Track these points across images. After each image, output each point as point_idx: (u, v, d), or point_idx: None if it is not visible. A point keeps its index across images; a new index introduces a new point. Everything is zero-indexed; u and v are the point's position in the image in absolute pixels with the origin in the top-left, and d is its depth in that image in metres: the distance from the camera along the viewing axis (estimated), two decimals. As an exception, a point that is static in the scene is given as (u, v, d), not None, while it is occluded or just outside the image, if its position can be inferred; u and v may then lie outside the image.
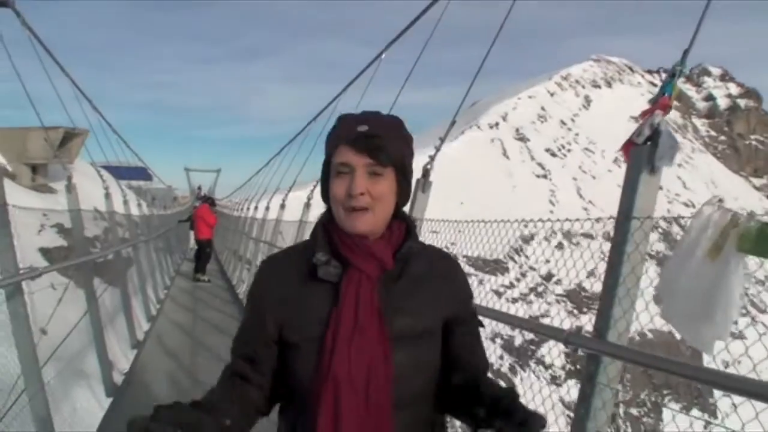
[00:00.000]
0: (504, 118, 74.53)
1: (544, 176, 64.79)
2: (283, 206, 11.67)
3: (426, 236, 4.81)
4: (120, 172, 19.90)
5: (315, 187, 8.54)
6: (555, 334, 2.80)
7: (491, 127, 72.03)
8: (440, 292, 1.75)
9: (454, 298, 1.79)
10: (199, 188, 43.58)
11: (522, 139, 72.62)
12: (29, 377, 4.56)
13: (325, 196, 1.76)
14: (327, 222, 1.75)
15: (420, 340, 1.67)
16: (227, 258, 21.32)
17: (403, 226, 1.77)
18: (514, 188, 58.05)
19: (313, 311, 1.65)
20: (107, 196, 9.65)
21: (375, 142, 1.63)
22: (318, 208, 8.85)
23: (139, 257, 11.97)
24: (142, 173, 32.18)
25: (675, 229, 65.28)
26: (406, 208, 1.81)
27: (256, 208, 17.17)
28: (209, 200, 19.66)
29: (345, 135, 1.67)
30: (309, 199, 8.68)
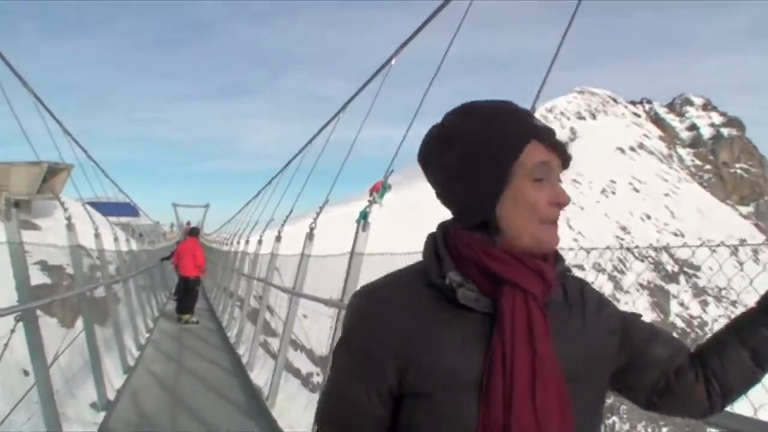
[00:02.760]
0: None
1: (534, 208, 65.37)
2: (278, 239, 11.02)
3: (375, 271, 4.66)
4: (107, 208, 19.29)
5: (317, 216, 8.09)
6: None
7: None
8: (601, 325, 1.39)
9: (616, 331, 1.42)
10: (188, 224, 43.05)
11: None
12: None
13: (483, 207, 1.30)
14: (442, 237, 1.36)
15: (591, 379, 1.33)
16: (217, 296, 20.28)
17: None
18: (500, 219, 57.87)
19: (454, 348, 1.24)
20: (97, 235, 9.13)
21: (562, 143, 1.31)
22: (321, 238, 8.36)
23: (118, 298, 11.03)
24: (129, 209, 31.63)
25: (664, 257, 66.01)
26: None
27: (247, 242, 16.38)
28: (195, 231, 18.53)
29: (536, 130, 1.29)
30: (312, 228, 8.08)
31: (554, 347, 1.25)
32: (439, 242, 1.36)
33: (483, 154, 1.29)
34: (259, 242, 13.52)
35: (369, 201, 5.79)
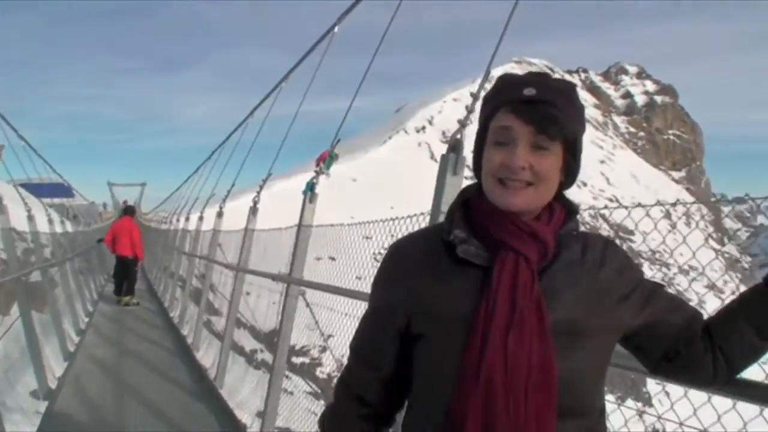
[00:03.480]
0: (430, 122, 75.57)
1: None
2: (220, 215, 10.70)
3: (351, 243, 5.08)
4: (40, 189, 18.62)
5: (260, 190, 7.85)
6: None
7: (418, 131, 73.16)
8: (599, 283, 1.45)
9: (618, 287, 1.47)
10: (125, 203, 42.13)
11: (449, 141, 73.40)
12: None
13: (477, 167, 1.52)
14: (469, 199, 1.53)
15: (584, 336, 1.41)
16: (157, 276, 19.71)
17: (564, 209, 1.51)
18: (444, 191, 58.20)
19: (452, 296, 1.43)
20: (30, 217, 8.77)
21: (544, 110, 1.39)
22: (264, 214, 8.13)
23: (54, 282, 10.56)
24: (63, 190, 30.72)
25: (601, 224, 67.41)
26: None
27: (187, 219, 15.90)
28: (131, 210, 17.89)
29: (508, 97, 1.43)
30: (255, 203, 7.82)
31: (547, 302, 1.37)
32: (457, 202, 1.55)
33: (479, 118, 1.52)
34: (200, 219, 13.17)
35: (315, 171, 5.62)
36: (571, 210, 1.51)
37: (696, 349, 1.48)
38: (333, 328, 5.97)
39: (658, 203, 3.09)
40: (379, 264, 1.64)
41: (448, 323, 1.41)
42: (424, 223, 3.32)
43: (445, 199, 2.93)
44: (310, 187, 5.58)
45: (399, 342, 1.53)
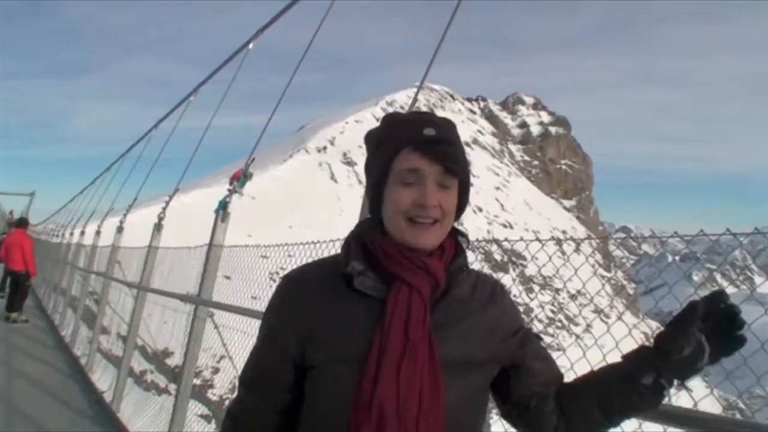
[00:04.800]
0: (332, 142, 75.76)
1: (373, 200, 67.02)
2: (120, 230, 10.32)
3: (247, 262, 5.08)
4: None
5: (167, 205, 7.63)
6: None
7: (319, 151, 73.16)
8: (485, 319, 1.56)
9: (502, 327, 1.59)
10: (11, 213, 40.13)
11: (349, 163, 74.15)
12: None
13: (375, 205, 1.55)
14: (362, 234, 1.56)
15: (470, 368, 1.50)
16: (46, 292, 18.74)
17: (453, 242, 1.57)
18: (342, 211, 58.51)
19: (347, 328, 1.46)
20: None
21: (446, 151, 1.46)
22: (172, 229, 7.89)
23: None
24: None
25: (494, 248, 69.02)
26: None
27: (82, 233, 15.28)
28: (23, 222, 16.90)
29: (411, 137, 1.47)
30: (160, 219, 7.56)
31: (437, 335, 1.43)
32: (353, 235, 1.57)
33: (374, 157, 1.55)
34: (97, 233, 12.67)
35: (229, 190, 5.50)
36: (459, 244, 1.58)
37: (545, 408, 1.58)
38: (225, 350, 5.83)
39: (553, 239, 3.28)
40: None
41: (343, 355, 1.43)
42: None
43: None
44: (223, 206, 5.45)
45: (294, 373, 1.53)
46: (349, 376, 1.40)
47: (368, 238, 1.53)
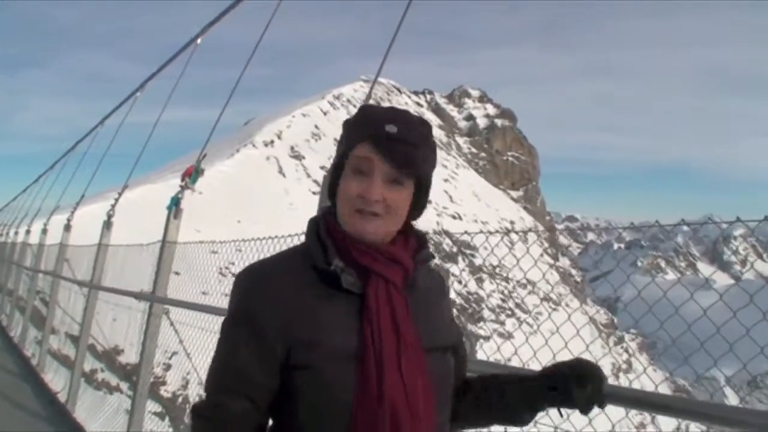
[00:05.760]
0: (279, 137, 75.28)
1: (322, 193, 66.77)
2: (68, 227, 10.15)
3: (197, 257, 5.11)
4: None
5: (116, 202, 7.57)
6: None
7: (266, 145, 72.72)
8: (444, 307, 1.69)
9: (450, 313, 1.73)
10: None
11: (297, 156, 73.80)
12: None
13: (332, 191, 1.59)
14: (327, 226, 1.56)
15: (446, 351, 1.60)
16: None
17: (415, 237, 1.62)
18: (291, 205, 58.29)
19: (332, 325, 1.45)
20: None
21: (403, 150, 1.48)
22: (119, 225, 7.80)
23: None
24: None
25: (447, 241, 69.50)
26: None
27: (28, 231, 14.96)
28: None
29: (371, 131, 1.49)
30: (110, 216, 7.49)
31: (415, 324, 1.49)
32: (322, 229, 1.55)
33: (339, 143, 1.59)
34: (44, 231, 12.45)
35: (181, 186, 5.49)
36: (420, 237, 1.63)
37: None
38: (178, 346, 5.82)
39: (505, 231, 3.33)
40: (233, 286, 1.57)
41: (335, 354, 1.41)
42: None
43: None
44: (175, 202, 5.43)
45: (277, 372, 1.46)
46: (345, 376, 1.39)
47: (333, 230, 1.54)
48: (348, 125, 1.58)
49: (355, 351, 1.41)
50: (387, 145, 1.47)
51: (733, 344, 2.41)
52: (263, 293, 1.49)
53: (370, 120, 1.52)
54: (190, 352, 5.58)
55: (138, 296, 5.80)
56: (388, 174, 1.48)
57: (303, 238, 1.63)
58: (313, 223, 1.58)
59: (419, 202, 1.59)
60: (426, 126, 1.57)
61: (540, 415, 1.72)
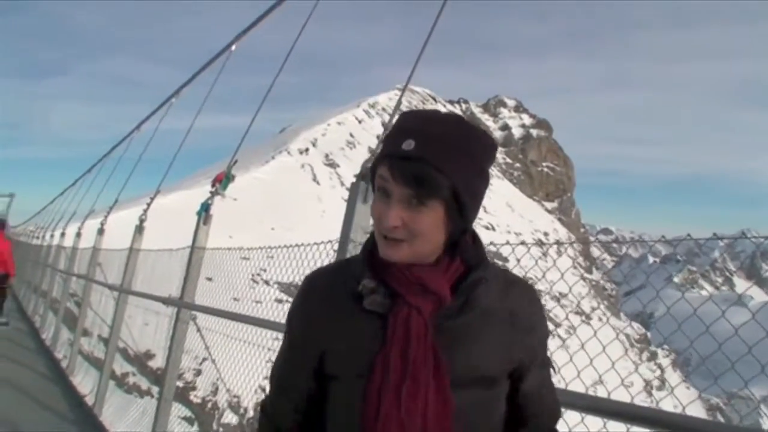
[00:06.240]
0: (314, 144, 75.63)
1: (356, 202, 66.97)
2: (101, 231, 10.24)
3: (228, 263, 5.10)
4: None
5: (148, 207, 7.59)
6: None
7: (301, 153, 73.03)
8: (509, 330, 1.48)
9: (523, 338, 1.51)
10: (-9, 215, 39.57)
11: (332, 164, 73.98)
12: None
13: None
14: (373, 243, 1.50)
15: (484, 385, 1.45)
16: (26, 294, 18.55)
17: (463, 260, 1.47)
18: (324, 213, 58.36)
19: (359, 344, 1.44)
20: None
21: (418, 169, 1.34)
22: (152, 231, 7.85)
23: None
24: None
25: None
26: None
27: (62, 234, 15.12)
28: (1, 224, 16.22)
29: (387, 150, 1.41)
30: (142, 221, 7.52)
31: (451, 351, 1.40)
32: (366, 246, 1.52)
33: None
34: (78, 235, 12.57)
35: (211, 192, 5.49)
36: (470, 260, 1.46)
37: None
38: (208, 353, 5.80)
39: (539, 243, 3.33)
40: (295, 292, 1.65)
41: (355, 372, 1.42)
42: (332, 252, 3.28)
43: (354, 227, 2.99)
44: (205, 208, 5.43)
45: (313, 378, 1.53)
46: (359, 394, 1.39)
47: (376, 249, 1.47)
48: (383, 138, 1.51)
49: (367, 372, 1.40)
50: (400, 166, 1.35)
51: (766, 365, 2.27)
52: (305, 302, 1.57)
53: (390, 135, 1.42)
54: (217, 360, 5.59)
55: (166, 301, 5.81)
56: (404, 195, 1.36)
57: (336, 246, 1.62)
58: (370, 237, 1.53)
59: (455, 220, 1.41)
60: (458, 129, 1.40)
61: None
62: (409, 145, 1.34)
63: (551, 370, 1.63)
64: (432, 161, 1.33)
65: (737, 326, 2.45)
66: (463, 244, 1.46)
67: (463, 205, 1.38)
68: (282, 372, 1.63)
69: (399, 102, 4.62)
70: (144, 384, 12.90)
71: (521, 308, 1.52)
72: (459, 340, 1.43)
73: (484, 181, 1.44)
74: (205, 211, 5.42)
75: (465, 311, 1.44)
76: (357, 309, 1.45)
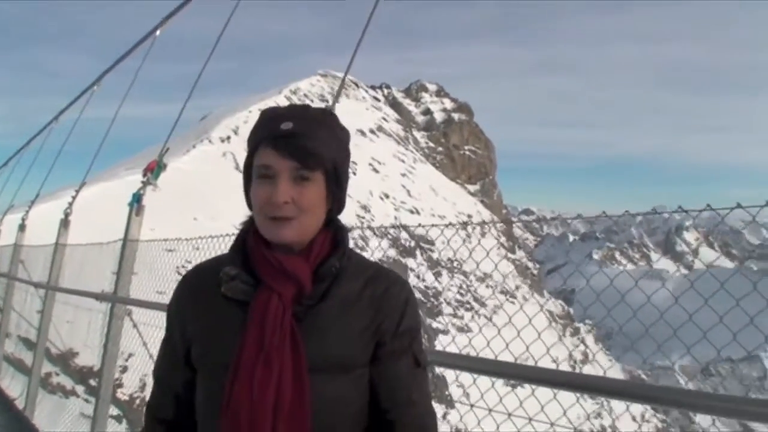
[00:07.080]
0: (235, 132, 74.53)
1: (280, 189, 66.92)
2: (22, 227, 9.81)
3: (152, 256, 5.11)
4: None
5: (73, 200, 7.32)
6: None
7: (223, 141, 71.98)
8: (369, 318, 1.52)
9: (383, 325, 1.53)
10: None
11: (254, 152, 73.21)
12: None
13: (248, 201, 1.56)
14: (248, 231, 1.57)
15: (343, 372, 1.48)
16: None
17: (329, 238, 1.57)
18: (249, 203, 57.83)
19: (220, 333, 1.49)
20: None
21: (301, 143, 1.46)
22: (73, 224, 7.54)
23: None
24: None
25: (403, 235, 69.70)
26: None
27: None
28: None
29: (266, 133, 1.49)
30: (67, 214, 7.22)
31: (310, 337, 1.44)
32: (240, 235, 1.59)
33: (246, 157, 1.56)
34: (-6, 231, 12.07)
35: (143, 182, 5.32)
36: (337, 240, 1.57)
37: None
38: (135, 347, 5.65)
39: (463, 224, 3.39)
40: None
41: (216, 362, 1.47)
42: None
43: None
44: (137, 199, 5.29)
45: (186, 369, 1.58)
46: (219, 381, 1.43)
47: (248, 236, 1.55)
48: (250, 133, 1.55)
49: (226, 359, 1.43)
50: (284, 143, 1.45)
51: (676, 330, 2.47)
52: (176, 297, 1.64)
53: (266, 121, 1.52)
54: (145, 354, 5.42)
55: (99, 297, 5.61)
56: (291, 171, 1.45)
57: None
58: (242, 230, 1.60)
59: (335, 195, 1.55)
60: (327, 116, 1.55)
61: (557, 415, 1.66)
62: (287, 125, 1.46)
63: (424, 371, 1.61)
64: (312, 136, 1.47)
65: (650, 294, 2.63)
66: (337, 221, 1.60)
67: (340, 177, 1.54)
68: (159, 365, 1.67)
69: (339, 92, 4.56)
70: (68, 384, 12.53)
71: (383, 299, 1.54)
72: (318, 327, 1.47)
73: (348, 166, 1.59)
74: (137, 202, 5.28)
75: (325, 299, 1.49)
76: (221, 299, 1.50)
